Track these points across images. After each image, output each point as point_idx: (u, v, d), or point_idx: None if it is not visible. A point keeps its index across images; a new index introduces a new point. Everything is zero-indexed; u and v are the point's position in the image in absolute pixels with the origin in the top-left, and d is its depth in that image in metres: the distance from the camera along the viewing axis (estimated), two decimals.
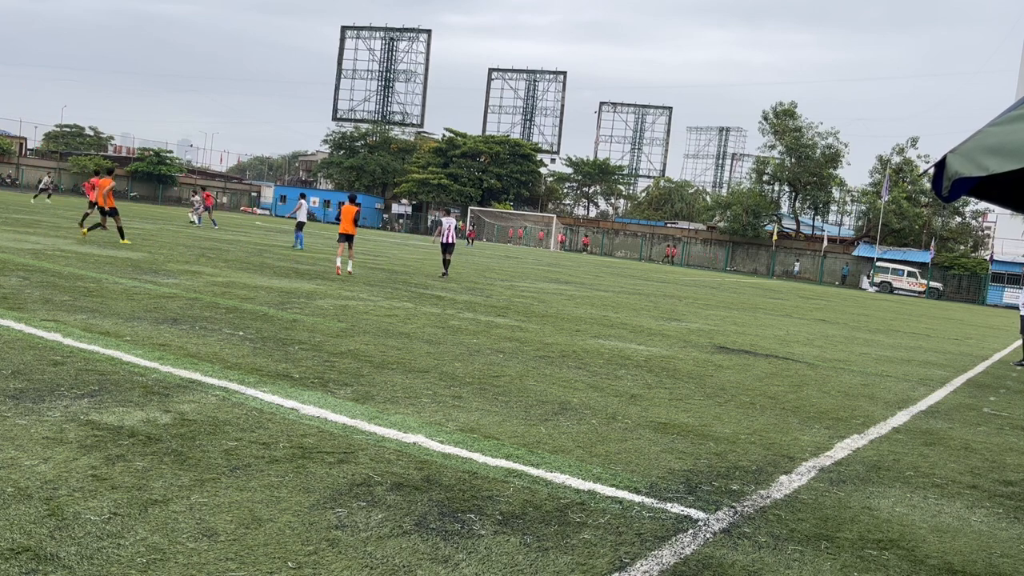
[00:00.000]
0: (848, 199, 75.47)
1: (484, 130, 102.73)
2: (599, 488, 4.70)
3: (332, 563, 3.33)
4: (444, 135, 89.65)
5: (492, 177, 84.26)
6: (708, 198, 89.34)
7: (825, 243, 69.03)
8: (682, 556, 3.84)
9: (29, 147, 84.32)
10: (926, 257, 60.90)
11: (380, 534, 3.68)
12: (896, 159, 68.36)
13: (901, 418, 8.12)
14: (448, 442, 5.27)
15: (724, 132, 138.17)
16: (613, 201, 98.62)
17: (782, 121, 70.05)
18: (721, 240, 73.41)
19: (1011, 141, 3.59)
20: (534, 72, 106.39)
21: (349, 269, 17.98)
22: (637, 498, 4.61)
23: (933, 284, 58.64)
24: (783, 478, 5.39)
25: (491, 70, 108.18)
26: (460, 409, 6.21)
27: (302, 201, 28.08)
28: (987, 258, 61.21)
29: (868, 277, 60.21)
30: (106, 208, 20.34)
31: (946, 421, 8.27)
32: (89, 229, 20.52)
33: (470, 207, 76.85)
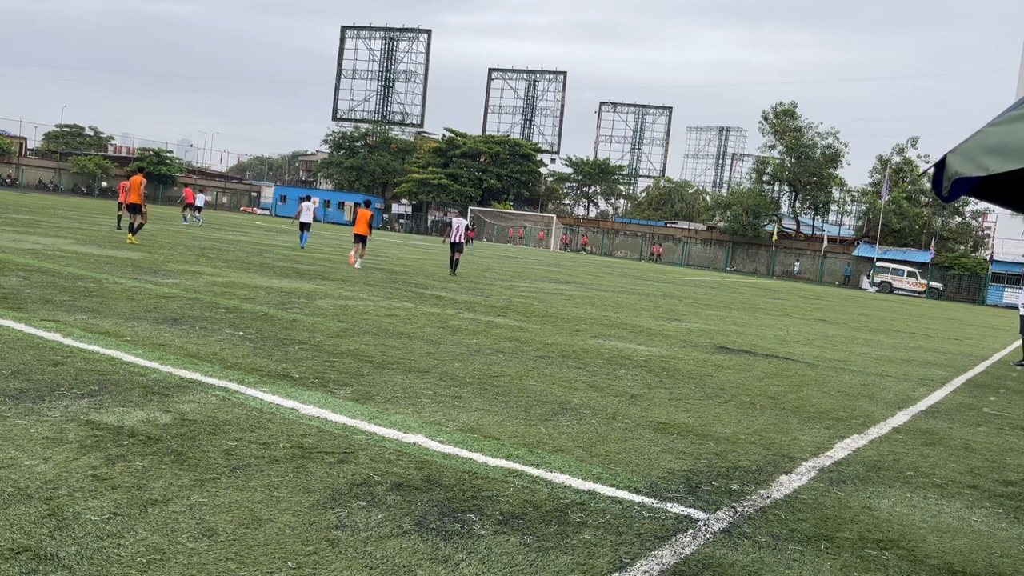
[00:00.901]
0: (848, 199, 75.50)
1: (484, 130, 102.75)
2: (599, 488, 4.70)
3: (332, 563, 3.33)
4: (444, 135, 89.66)
5: (492, 177, 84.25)
6: (708, 198, 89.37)
7: (825, 243, 69.04)
8: (682, 556, 3.85)
9: (29, 147, 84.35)
10: (926, 257, 60.90)
11: (380, 534, 3.68)
12: (896, 159, 68.38)
13: (901, 418, 8.12)
14: (448, 442, 5.27)
15: (724, 132, 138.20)
16: (613, 201, 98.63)
17: (782, 121, 70.06)
18: (721, 240, 73.41)
19: (1011, 141, 3.59)
20: (534, 72, 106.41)
21: (358, 265, 20.23)
22: (637, 498, 4.61)
23: (933, 284, 58.65)
24: (783, 478, 5.39)
25: (491, 70, 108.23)
26: (460, 409, 6.21)
27: (305, 203, 28.15)
28: (987, 258, 61.21)
29: (868, 277, 60.22)
30: (139, 205, 20.07)
31: (946, 421, 8.27)
32: (133, 233, 20.28)
33: (470, 207, 76.85)
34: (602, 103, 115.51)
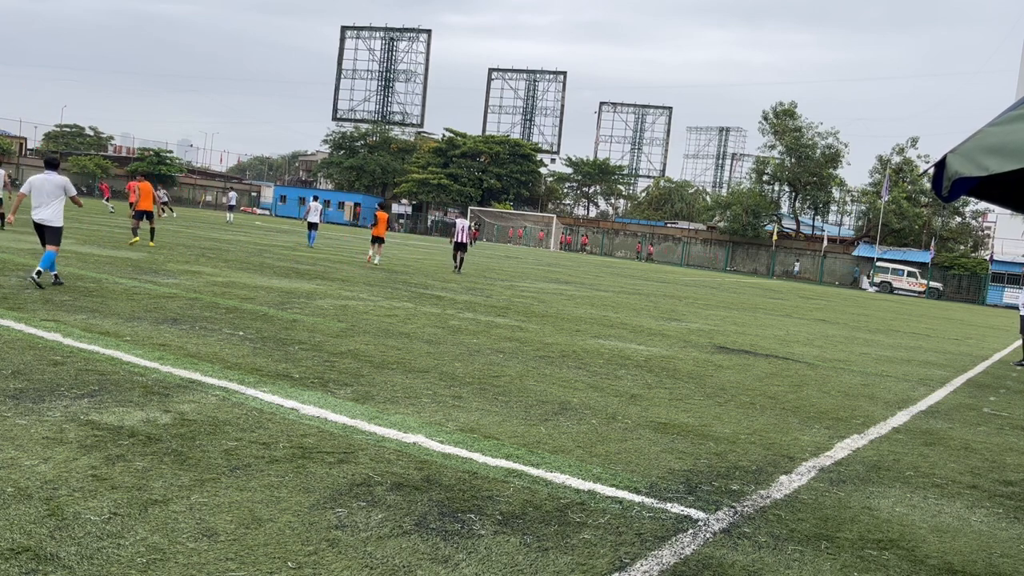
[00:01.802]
0: (848, 199, 75.48)
1: (484, 130, 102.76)
2: (599, 488, 4.70)
3: (332, 563, 3.33)
4: (444, 135, 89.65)
5: (492, 177, 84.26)
6: (708, 198, 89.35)
7: (825, 243, 69.04)
8: (682, 556, 3.84)
9: (29, 147, 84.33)
10: (926, 257, 60.89)
11: (380, 534, 3.68)
12: (896, 159, 68.37)
13: (901, 418, 8.12)
14: (448, 442, 5.26)
15: (724, 132, 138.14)
16: (613, 201, 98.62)
17: (782, 121, 70.05)
18: (721, 240, 73.40)
19: (1011, 141, 3.59)
20: (534, 72, 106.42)
21: (376, 261, 22.40)
22: (637, 498, 4.61)
23: (933, 284, 58.64)
24: (783, 478, 5.39)
25: (491, 70, 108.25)
26: (460, 409, 6.21)
27: (313, 204, 28.74)
28: (987, 258, 61.20)
29: (868, 277, 60.22)
30: (152, 212, 20.31)
31: (946, 421, 8.26)
32: (152, 238, 20.39)
33: (470, 207, 76.85)
34: (602, 103, 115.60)
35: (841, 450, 6.39)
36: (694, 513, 4.47)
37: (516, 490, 4.50)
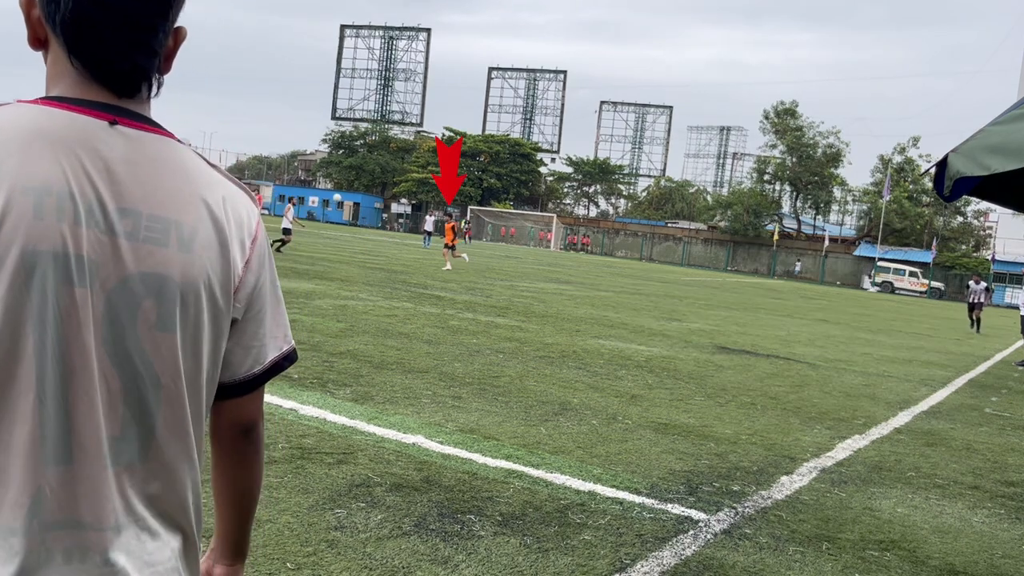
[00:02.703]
0: (849, 199, 75.46)
1: (484, 129, 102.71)
2: (599, 489, 4.68)
3: (331, 564, 3.31)
4: (444, 134, 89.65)
5: (492, 176, 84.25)
6: (709, 198, 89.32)
7: (826, 243, 69.00)
8: (683, 557, 3.83)
9: None
10: (927, 257, 60.86)
11: (379, 535, 3.66)
12: (897, 158, 68.34)
13: (903, 418, 8.11)
14: (448, 443, 5.25)
15: (725, 131, 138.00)
16: (613, 201, 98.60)
17: (783, 120, 70.03)
18: (722, 240, 73.37)
19: (1013, 140, 3.57)
20: (534, 71, 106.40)
21: (448, 266, 23.85)
22: (637, 499, 4.60)
23: (934, 284, 58.61)
24: (784, 479, 5.37)
25: (491, 69, 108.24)
26: (460, 409, 6.20)
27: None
28: (989, 258, 61.16)
29: (869, 277, 60.21)
30: None
31: (948, 421, 8.25)
32: None
33: (470, 207, 76.83)
34: (602, 102, 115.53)
35: (842, 451, 6.38)
36: (695, 514, 4.45)
37: (516, 491, 4.48)
